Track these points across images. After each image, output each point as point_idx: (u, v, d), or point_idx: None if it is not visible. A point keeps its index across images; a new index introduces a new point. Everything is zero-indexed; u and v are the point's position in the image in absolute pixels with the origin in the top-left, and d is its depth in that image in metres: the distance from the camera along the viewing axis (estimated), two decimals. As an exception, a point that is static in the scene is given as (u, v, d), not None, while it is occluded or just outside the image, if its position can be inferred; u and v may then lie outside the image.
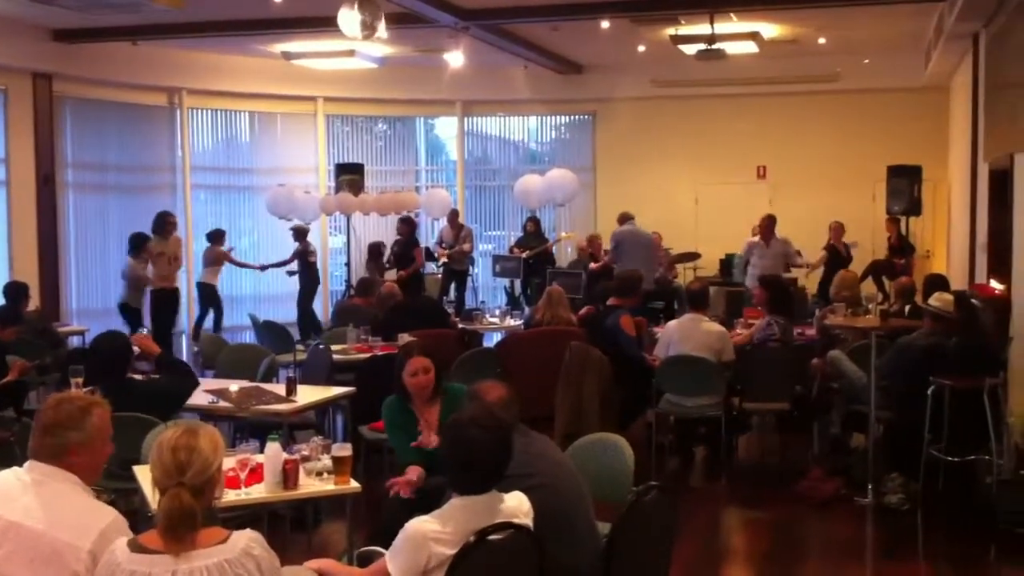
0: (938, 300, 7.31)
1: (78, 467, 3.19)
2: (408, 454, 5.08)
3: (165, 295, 12.42)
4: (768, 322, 8.26)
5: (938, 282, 8.52)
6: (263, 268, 15.17)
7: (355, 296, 10.61)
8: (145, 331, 6.95)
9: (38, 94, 13.59)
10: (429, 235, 17.13)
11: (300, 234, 14.48)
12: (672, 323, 8.48)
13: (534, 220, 15.86)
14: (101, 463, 3.32)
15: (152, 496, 3.18)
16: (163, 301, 12.40)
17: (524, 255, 15.11)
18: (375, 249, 13.85)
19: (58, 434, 3.18)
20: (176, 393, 5.94)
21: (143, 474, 4.28)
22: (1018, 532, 6.26)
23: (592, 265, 13.83)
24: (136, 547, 2.90)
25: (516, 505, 3.48)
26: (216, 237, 14.39)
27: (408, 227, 14.52)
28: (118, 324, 11.59)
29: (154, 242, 12.36)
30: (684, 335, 8.04)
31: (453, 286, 15.39)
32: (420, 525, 3.34)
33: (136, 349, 6.15)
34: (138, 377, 6.10)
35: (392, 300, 10.08)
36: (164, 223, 12.64)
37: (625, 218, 13.39)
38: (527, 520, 3.48)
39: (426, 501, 4.48)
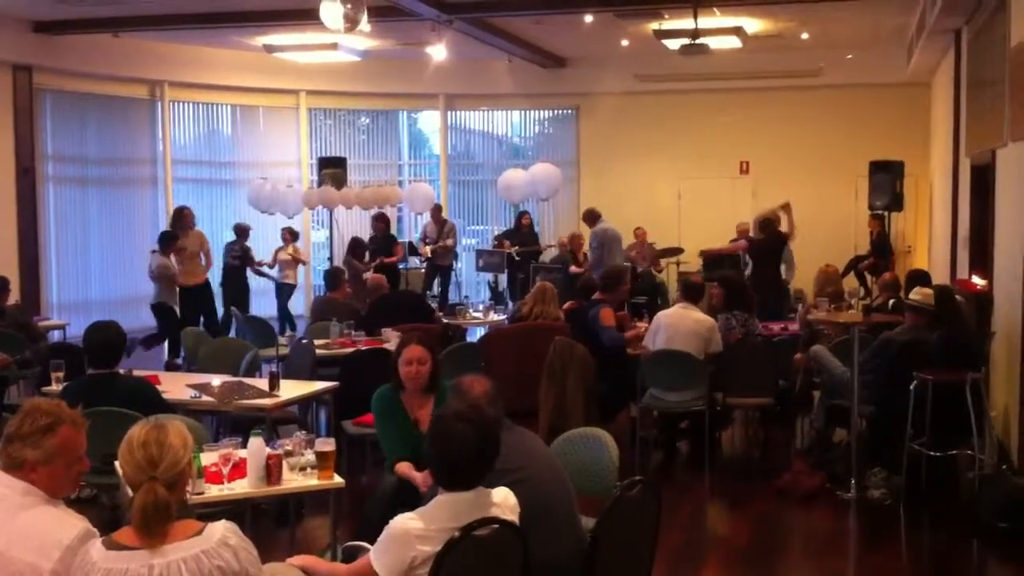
0: (918, 294, 7.35)
1: (39, 483, 3.08)
2: (395, 447, 5.05)
3: (190, 292, 12.38)
4: (727, 317, 8.32)
5: (919, 277, 8.59)
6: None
7: (328, 290, 10.55)
8: None
9: (18, 86, 13.49)
10: (412, 230, 17.11)
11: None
12: (662, 312, 8.51)
13: (528, 216, 15.77)
14: (68, 480, 3.18)
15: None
16: (188, 298, 12.36)
17: (514, 250, 15.06)
18: (355, 244, 13.78)
19: (16, 447, 3.09)
20: (158, 398, 5.92)
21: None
22: (1000, 526, 6.28)
23: (573, 268, 13.76)
24: (112, 545, 2.86)
25: (502, 500, 3.47)
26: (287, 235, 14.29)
27: (383, 223, 14.46)
28: (116, 313, 11.77)
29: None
30: (674, 322, 8.06)
31: (437, 281, 15.36)
32: (405, 523, 3.31)
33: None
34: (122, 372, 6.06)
35: (378, 292, 10.05)
36: (180, 217, 12.67)
37: (597, 215, 13.41)
38: (513, 516, 3.47)
39: (412, 495, 4.47)
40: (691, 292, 8.45)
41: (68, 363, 6.80)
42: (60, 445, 3.10)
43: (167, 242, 12.16)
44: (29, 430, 3.09)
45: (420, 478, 4.72)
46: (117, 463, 3.06)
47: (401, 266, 14.64)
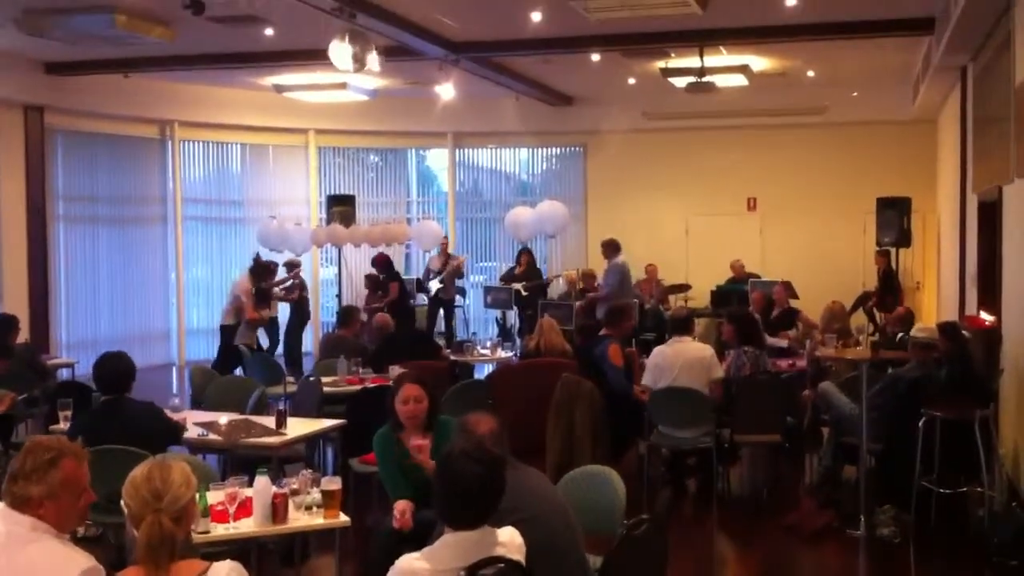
0: (921, 331, 7.33)
1: (46, 518, 3.10)
2: (397, 487, 5.04)
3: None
4: (739, 353, 8.31)
5: (907, 318, 8.68)
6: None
7: (338, 327, 10.53)
8: None
9: (29, 126, 13.60)
10: (420, 267, 17.12)
11: (293, 267, 14.46)
12: (657, 349, 8.50)
13: (528, 252, 15.74)
14: (75, 513, 3.20)
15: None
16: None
17: (521, 285, 15.05)
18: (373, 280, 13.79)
19: (20, 485, 3.10)
20: (167, 420, 5.97)
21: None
22: (1010, 565, 6.23)
23: (589, 295, 13.70)
24: None
25: (508, 540, 3.45)
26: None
27: (382, 260, 14.41)
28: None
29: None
30: (671, 357, 8.06)
31: (442, 315, 15.35)
32: (410, 564, 3.30)
33: None
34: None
35: (386, 331, 10.05)
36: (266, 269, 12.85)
37: (617, 248, 13.38)
38: (519, 555, 3.45)
39: (416, 534, 4.45)
40: (680, 325, 8.47)
41: (76, 401, 6.81)
42: (64, 479, 3.12)
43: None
44: (32, 466, 3.11)
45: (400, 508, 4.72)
46: (123, 502, 3.07)
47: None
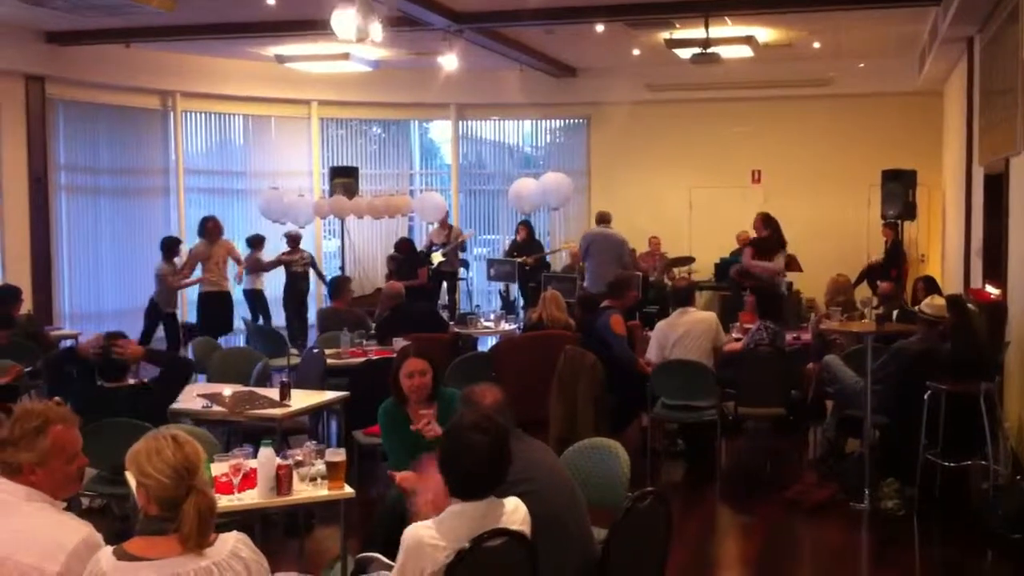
0: (930, 307, 7.30)
1: (39, 485, 3.11)
2: (401, 460, 5.04)
3: (213, 298, 12.66)
4: (759, 327, 8.29)
5: (930, 284, 8.59)
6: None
7: (331, 299, 10.48)
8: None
9: (30, 96, 13.54)
10: (423, 240, 17.06)
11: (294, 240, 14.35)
12: (662, 322, 8.49)
13: (527, 226, 15.61)
14: (68, 479, 3.21)
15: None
16: (212, 304, 12.66)
17: (522, 259, 15.01)
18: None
19: (9, 452, 3.11)
20: (160, 401, 5.94)
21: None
22: (1014, 538, 6.24)
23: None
24: (122, 555, 2.86)
25: (513, 511, 3.45)
26: (255, 243, 14.01)
27: (406, 246, 14.32)
28: (129, 323, 11.88)
29: (202, 245, 12.71)
30: (677, 328, 8.09)
31: (444, 289, 15.32)
32: (418, 531, 3.32)
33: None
34: (131, 381, 6.05)
35: (396, 300, 10.00)
36: (205, 227, 12.84)
37: (601, 219, 13.35)
38: (524, 527, 3.45)
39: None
40: (682, 297, 8.51)
41: (78, 372, 6.79)
42: (53, 444, 3.13)
43: (168, 249, 12.53)
44: (20, 433, 3.13)
45: (412, 478, 4.69)
46: (127, 474, 3.05)
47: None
